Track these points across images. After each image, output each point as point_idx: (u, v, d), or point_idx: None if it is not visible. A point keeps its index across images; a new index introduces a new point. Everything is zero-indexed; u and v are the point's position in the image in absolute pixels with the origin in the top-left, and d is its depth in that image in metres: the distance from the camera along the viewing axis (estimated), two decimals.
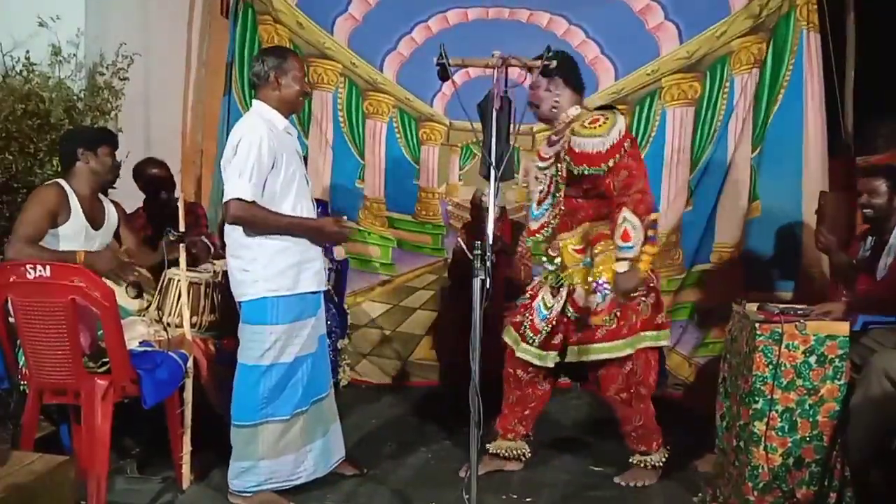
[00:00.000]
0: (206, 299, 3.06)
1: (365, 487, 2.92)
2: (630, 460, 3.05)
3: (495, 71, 2.40)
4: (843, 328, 2.48)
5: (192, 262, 3.07)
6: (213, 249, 3.54)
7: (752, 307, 2.77)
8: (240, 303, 2.72)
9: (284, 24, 4.56)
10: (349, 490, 2.89)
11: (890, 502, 2.50)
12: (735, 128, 4.26)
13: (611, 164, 2.78)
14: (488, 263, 2.26)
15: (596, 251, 2.89)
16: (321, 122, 4.61)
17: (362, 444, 3.38)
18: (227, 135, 4.50)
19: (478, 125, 2.49)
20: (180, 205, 3.05)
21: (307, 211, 2.77)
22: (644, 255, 2.77)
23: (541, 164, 3.05)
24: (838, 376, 2.47)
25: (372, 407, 4.01)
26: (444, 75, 2.46)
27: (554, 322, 2.92)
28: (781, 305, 2.73)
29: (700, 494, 2.87)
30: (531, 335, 2.97)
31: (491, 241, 2.31)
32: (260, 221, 2.62)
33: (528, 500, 2.86)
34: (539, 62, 2.47)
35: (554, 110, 2.95)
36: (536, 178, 3.07)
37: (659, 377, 3.04)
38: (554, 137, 3.02)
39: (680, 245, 4.35)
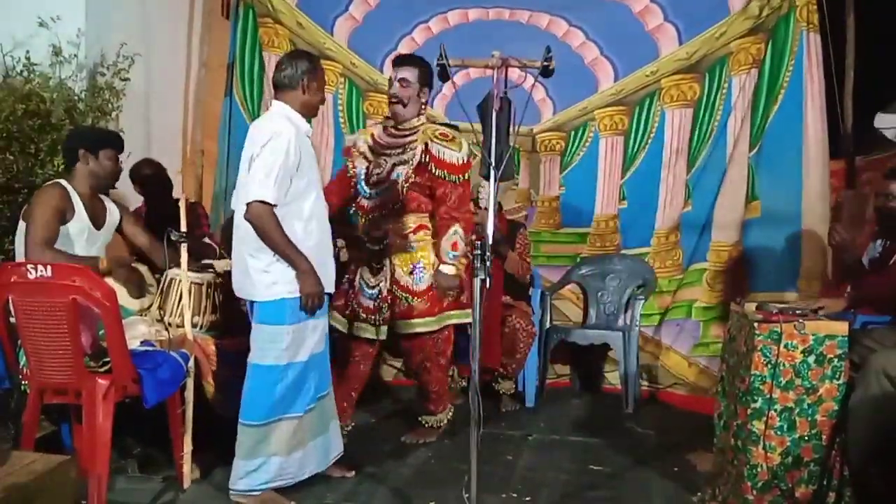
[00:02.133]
0: (207, 299, 3.06)
1: (365, 486, 2.92)
2: (420, 419, 3.47)
3: (495, 72, 2.41)
4: (842, 328, 2.48)
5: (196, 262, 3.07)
6: (218, 251, 3.55)
7: (751, 307, 2.78)
8: (252, 303, 2.71)
9: (284, 24, 4.58)
10: (349, 489, 2.89)
11: (889, 502, 2.50)
12: (733, 128, 4.27)
13: (463, 177, 3.23)
14: (488, 263, 2.27)
15: (416, 238, 3.26)
16: (322, 124, 4.62)
17: (362, 442, 3.39)
18: (229, 136, 4.63)
19: (478, 126, 2.50)
20: (181, 205, 3.04)
21: (321, 218, 2.78)
22: (461, 262, 3.23)
23: (380, 150, 3.29)
24: (837, 376, 2.47)
25: (372, 406, 4.01)
26: (445, 76, 2.47)
27: (385, 299, 3.24)
28: (780, 305, 2.73)
29: (699, 493, 2.87)
30: (364, 314, 3.26)
31: (491, 241, 2.32)
32: (272, 232, 2.58)
33: (527, 499, 2.86)
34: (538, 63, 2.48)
35: (415, 114, 3.26)
36: (368, 158, 3.31)
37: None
38: (396, 131, 3.26)
39: (680, 245, 4.36)
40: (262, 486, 2.69)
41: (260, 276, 2.66)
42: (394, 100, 3.21)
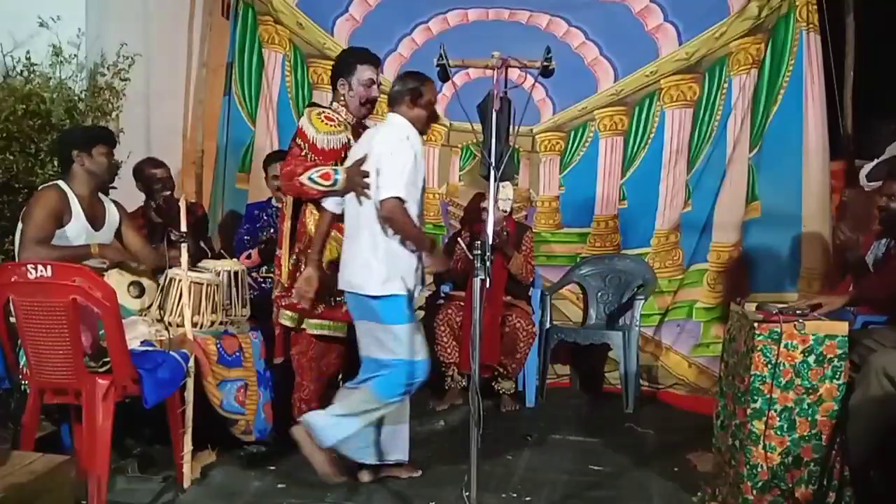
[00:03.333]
0: (207, 299, 3.06)
1: (365, 487, 2.92)
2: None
3: (495, 72, 2.41)
4: (842, 328, 2.49)
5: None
6: (210, 253, 3.54)
7: (751, 307, 2.78)
8: (367, 296, 2.75)
9: (285, 24, 4.58)
10: (349, 489, 2.89)
11: (889, 502, 2.50)
12: (733, 128, 4.28)
13: None
14: (488, 263, 2.28)
15: None
16: None
17: None
18: (227, 135, 4.63)
19: (478, 126, 2.50)
20: (182, 205, 3.04)
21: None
22: None
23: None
24: (837, 376, 2.48)
25: None
26: (445, 76, 2.48)
27: None
28: (780, 305, 2.73)
29: (699, 494, 2.87)
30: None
31: (490, 242, 2.32)
32: (405, 224, 2.71)
33: (527, 499, 2.86)
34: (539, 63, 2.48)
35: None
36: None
37: None
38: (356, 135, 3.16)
39: (680, 245, 4.36)
40: (330, 440, 2.72)
41: (376, 269, 2.74)
42: (371, 103, 3.17)
